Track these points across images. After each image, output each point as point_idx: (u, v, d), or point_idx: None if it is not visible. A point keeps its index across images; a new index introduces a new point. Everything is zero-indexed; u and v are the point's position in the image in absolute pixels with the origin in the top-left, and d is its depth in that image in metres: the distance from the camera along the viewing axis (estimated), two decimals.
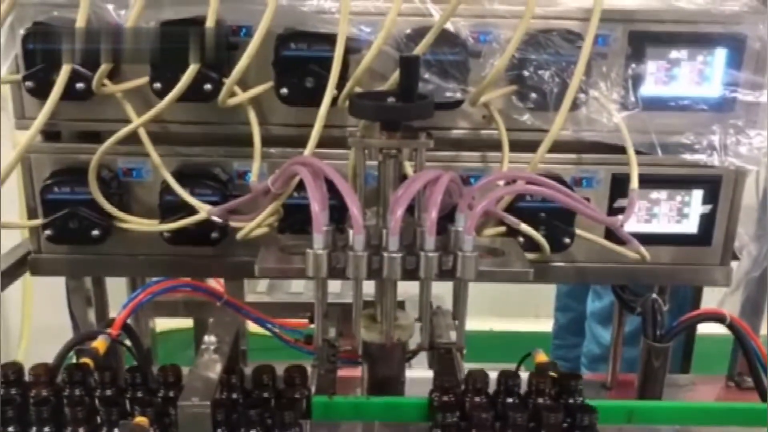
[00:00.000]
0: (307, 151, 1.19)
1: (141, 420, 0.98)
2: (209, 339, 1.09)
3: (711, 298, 1.63)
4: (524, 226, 1.26)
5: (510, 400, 1.13)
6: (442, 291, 1.26)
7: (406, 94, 1.05)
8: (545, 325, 3.40)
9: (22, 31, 1.19)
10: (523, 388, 1.16)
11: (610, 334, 1.77)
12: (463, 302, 1.09)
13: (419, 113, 1.07)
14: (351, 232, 1.02)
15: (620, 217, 1.25)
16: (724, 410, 1.24)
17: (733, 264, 1.43)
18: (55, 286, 1.52)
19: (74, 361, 1.23)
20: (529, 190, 1.20)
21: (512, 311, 3.93)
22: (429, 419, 1.13)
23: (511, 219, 1.25)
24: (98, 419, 1.07)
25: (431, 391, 1.16)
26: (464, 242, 1.03)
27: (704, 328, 1.61)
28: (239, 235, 1.25)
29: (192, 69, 1.16)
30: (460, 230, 1.04)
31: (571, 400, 1.14)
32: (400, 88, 1.07)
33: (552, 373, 1.19)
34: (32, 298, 3.13)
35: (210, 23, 1.15)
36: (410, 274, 1.04)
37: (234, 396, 1.10)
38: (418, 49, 1.17)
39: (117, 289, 1.63)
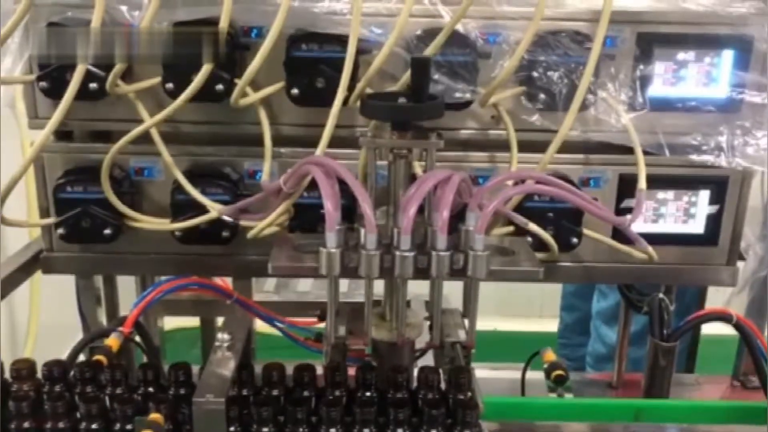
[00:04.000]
0: (319, 150, 1.20)
1: (156, 416, 0.99)
2: (222, 336, 1.10)
3: (716, 299, 1.64)
4: (533, 226, 1.27)
5: None
6: (448, 290, 1.26)
7: (417, 94, 1.07)
8: (550, 325, 3.40)
9: None
10: None
11: (615, 333, 1.78)
12: (474, 301, 1.11)
13: (430, 113, 1.09)
14: (362, 231, 1.03)
15: (628, 216, 1.26)
16: (731, 409, 1.25)
17: (739, 264, 1.44)
18: (63, 284, 1.53)
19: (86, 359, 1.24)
20: (539, 189, 1.21)
21: (517, 311, 3.93)
22: None
23: (520, 218, 1.26)
24: (111, 416, 1.08)
25: None
26: (475, 241, 1.04)
27: (708, 329, 1.62)
28: (250, 234, 1.26)
29: (205, 70, 1.18)
30: (470, 229, 1.05)
31: None
32: (411, 88, 1.08)
33: None
34: (39, 296, 3.14)
35: (223, 24, 1.16)
36: (422, 273, 1.05)
37: (249, 392, 1.10)
38: (429, 51, 1.18)
39: (125, 288, 1.64)
